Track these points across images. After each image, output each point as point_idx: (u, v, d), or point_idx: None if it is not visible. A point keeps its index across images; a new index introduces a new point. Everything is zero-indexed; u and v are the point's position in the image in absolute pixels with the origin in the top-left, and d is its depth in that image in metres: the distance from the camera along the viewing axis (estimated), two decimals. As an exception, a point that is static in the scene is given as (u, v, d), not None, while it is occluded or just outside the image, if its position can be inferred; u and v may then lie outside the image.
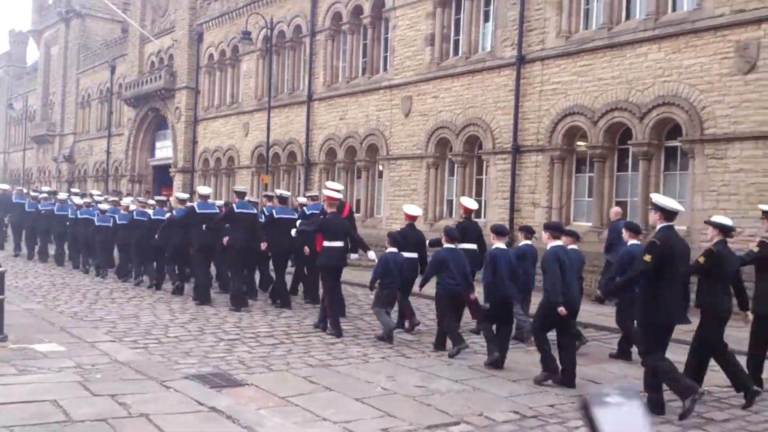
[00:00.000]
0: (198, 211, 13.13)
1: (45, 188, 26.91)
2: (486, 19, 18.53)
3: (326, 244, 10.53)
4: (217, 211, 13.58)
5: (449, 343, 8.91)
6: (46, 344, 8.41)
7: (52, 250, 20.09)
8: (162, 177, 32.99)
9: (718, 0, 13.08)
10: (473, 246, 10.78)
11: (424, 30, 19.58)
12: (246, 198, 13.69)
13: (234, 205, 12.89)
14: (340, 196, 11.53)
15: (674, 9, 14.36)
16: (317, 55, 23.76)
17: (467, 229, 10.79)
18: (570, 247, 8.90)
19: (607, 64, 14.97)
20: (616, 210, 14.00)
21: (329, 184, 13.32)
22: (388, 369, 7.96)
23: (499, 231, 8.81)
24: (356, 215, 21.39)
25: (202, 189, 14.08)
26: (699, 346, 7.19)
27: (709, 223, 7.73)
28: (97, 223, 16.93)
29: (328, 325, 10.08)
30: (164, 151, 34.16)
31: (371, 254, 11.01)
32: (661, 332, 6.68)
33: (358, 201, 22.28)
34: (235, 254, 12.59)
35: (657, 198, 7.14)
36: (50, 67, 47.31)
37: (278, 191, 14.89)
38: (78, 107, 42.89)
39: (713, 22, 13.15)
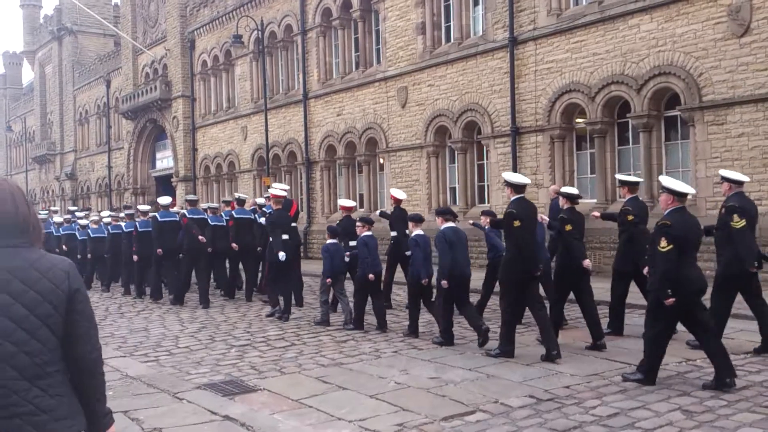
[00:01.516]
0: (160, 219, 14.21)
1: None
2: (476, 3, 18.39)
3: (273, 239, 11.51)
4: (177, 218, 14.58)
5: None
6: (58, 364, 8.39)
7: None
8: (165, 188, 33.01)
9: (707, -35, 12.94)
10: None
11: (414, 19, 19.46)
12: (199, 205, 15.45)
13: (185, 213, 14.26)
14: (284, 194, 12.46)
15: (663, -23, 14.20)
16: (310, 53, 23.67)
17: (398, 217, 12.14)
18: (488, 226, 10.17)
19: (600, 39, 14.84)
20: (554, 188, 14.15)
21: (275, 185, 14.45)
22: (401, 363, 7.90)
23: (416, 219, 9.90)
24: (360, 210, 21.43)
25: (163, 199, 15.23)
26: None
27: (559, 193, 9.73)
28: (80, 238, 18.19)
29: (282, 312, 11.30)
30: (165, 161, 34.18)
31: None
32: (520, 283, 7.96)
33: (361, 195, 22.22)
34: (191, 257, 13.72)
35: (505, 175, 8.41)
36: (46, 86, 47.40)
37: (236, 194, 16.47)
38: (76, 124, 42.97)
39: (704, -12, 13.00)
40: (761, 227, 10.23)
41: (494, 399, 6.25)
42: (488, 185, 17.74)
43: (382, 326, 9.94)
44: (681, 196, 6.57)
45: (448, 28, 19.11)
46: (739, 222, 7.49)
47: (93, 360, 2.52)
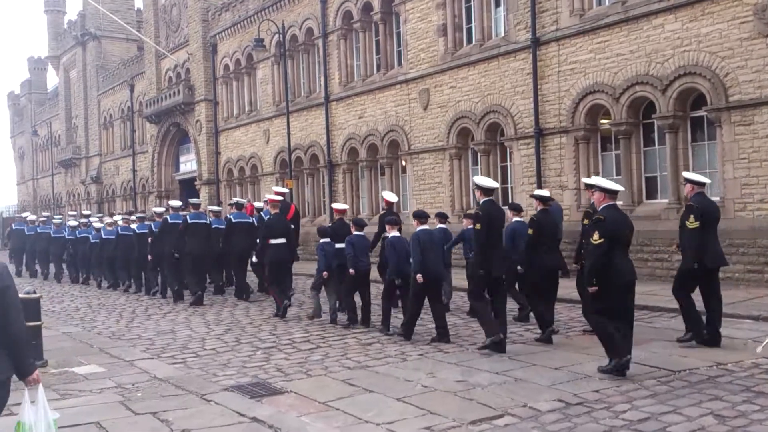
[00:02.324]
0: (170, 221, 14.87)
1: (44, 213, 30.50)
2: (497, 4, 18.34)
3: (271, 242, 12.11)
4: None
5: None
6: (86, 366, 8.49)
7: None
8: (188, 190, 33.20)
9: (733, -37, 12.79)
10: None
11: (435, 21, 19.44)
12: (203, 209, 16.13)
13: (188, 216, 14.63)
14: (281, 198, 12.99)
15: (688, -24, 14.06)
16: (331, 56, 23.73)
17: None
18: (470, 227, 10.38)
19: (624, 39, 14.73)
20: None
21: (274, 188, 14.56)
22: (427, 366, 7.89)
23: (393, 222, 10.45)
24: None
25: (173, 202, 15.83)
26: (528, 295, 9.48)
27: (532, 196, 10.35)
28: (92, 240, 18.94)
29: (281, 310, 11.84)
30: (188, 164, 34.41)
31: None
32: (487, 280, 8.54)
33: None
34: (191, 259, 14.30)
35: (476, 179, 8.90)
36: (71, 91, 47.90)
37: (235, 199, 16.87)
38: (101, 128, 43.38)
39: (730, -13, 12.86)
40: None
41: (523, 403, 6.22)
42: (512, 187, 17.65)
43: (365, 321, 10.65)
44: (612, 193, 7.20)
45: (469, 30, 19.07)
46: (693, 222, 8.10)
47: (21, 334, 3.95)
